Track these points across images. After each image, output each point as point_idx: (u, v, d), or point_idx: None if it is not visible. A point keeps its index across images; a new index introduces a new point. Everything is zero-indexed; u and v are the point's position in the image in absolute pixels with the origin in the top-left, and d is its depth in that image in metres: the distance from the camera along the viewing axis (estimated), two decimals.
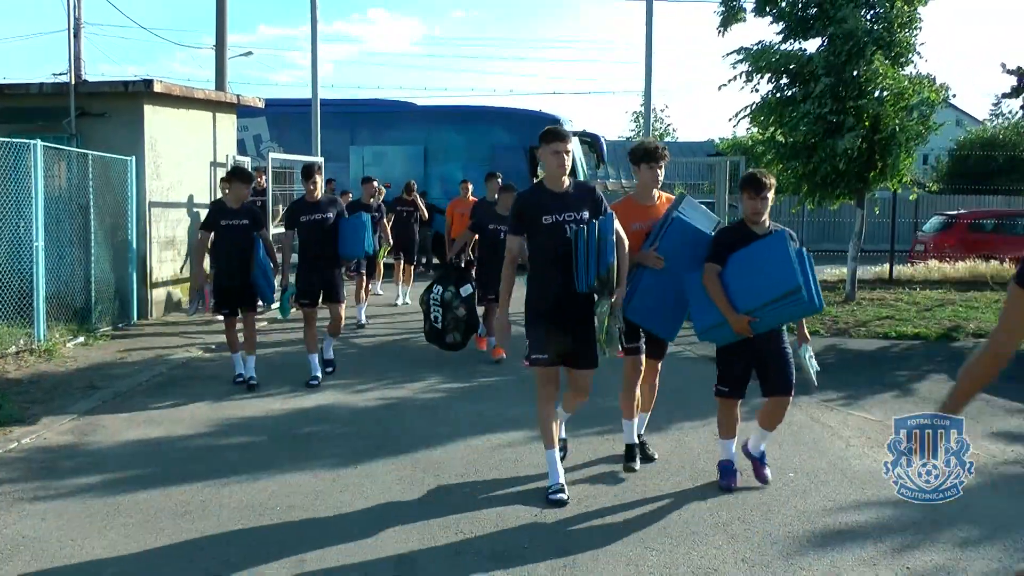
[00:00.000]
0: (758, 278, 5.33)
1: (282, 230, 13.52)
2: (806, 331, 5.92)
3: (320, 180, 8.65)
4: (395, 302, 14.73)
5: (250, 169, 13.64)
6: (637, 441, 6.16)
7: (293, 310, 8.99)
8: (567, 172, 5.42)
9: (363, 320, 12.61)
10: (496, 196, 11.40)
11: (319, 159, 16.05)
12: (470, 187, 13.52)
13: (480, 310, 10.03)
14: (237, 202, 8.54)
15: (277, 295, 8.77)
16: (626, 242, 5.48)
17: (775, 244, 5.43)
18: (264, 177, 14.77)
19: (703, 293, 5.50)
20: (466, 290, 9.62)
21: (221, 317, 9.13)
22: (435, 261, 19.90)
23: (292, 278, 8.93)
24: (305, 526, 4.99)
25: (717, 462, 5.84)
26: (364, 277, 13.02)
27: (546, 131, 5.42)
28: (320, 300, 8.73)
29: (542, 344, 5.41)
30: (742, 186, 5.67)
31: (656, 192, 6.03)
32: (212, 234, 8.63)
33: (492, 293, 9.47)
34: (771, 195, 5.56)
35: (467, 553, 4.63)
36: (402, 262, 15.18)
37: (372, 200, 13.20)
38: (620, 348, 5.50)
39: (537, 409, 5.57)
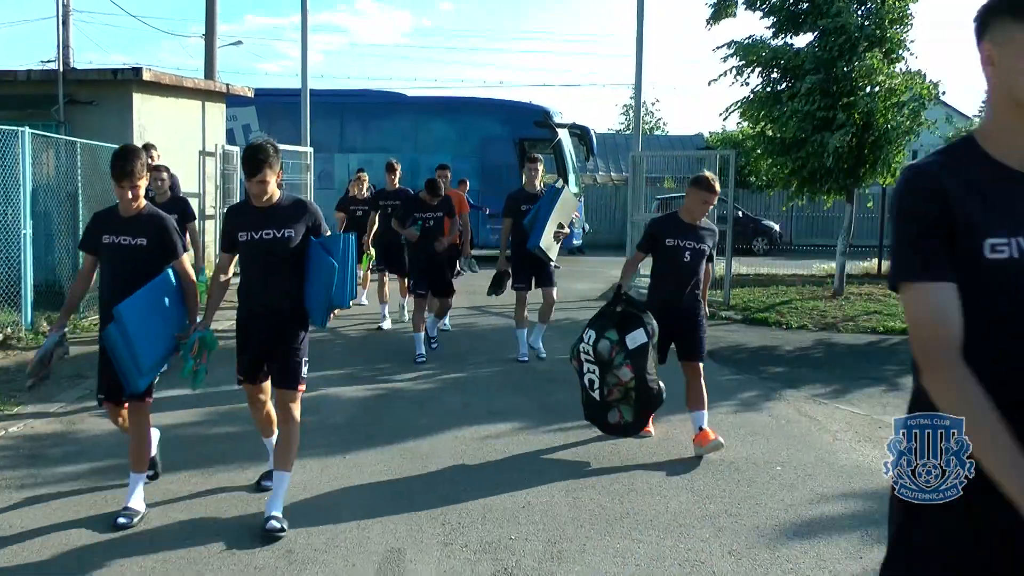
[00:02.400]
0: None
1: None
2: None
3: (271, 174, 4.73)
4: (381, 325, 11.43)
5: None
6: None
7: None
8: None
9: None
10: (539, 186, 9.35)
11: (308, 148, 16.01)
12: (448, 175, 11.06)
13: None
14: (129, 208, 4.93)
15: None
16: None
17: None
18: (154, 153, 9.67)
19: None
20: (636, 339, 6.01)
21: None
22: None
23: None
24: (293, 516, 4.98)
25: None
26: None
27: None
28: (266, 380, 5.10)
29: None
30: None
31: None
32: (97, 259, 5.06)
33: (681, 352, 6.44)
34: None
35: (455, 544, 4.64)
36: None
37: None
38: None
39: None
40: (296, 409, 4.98)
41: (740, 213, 24.79)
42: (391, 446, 6.33)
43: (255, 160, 4.74)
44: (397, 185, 11.35)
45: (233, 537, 4.69)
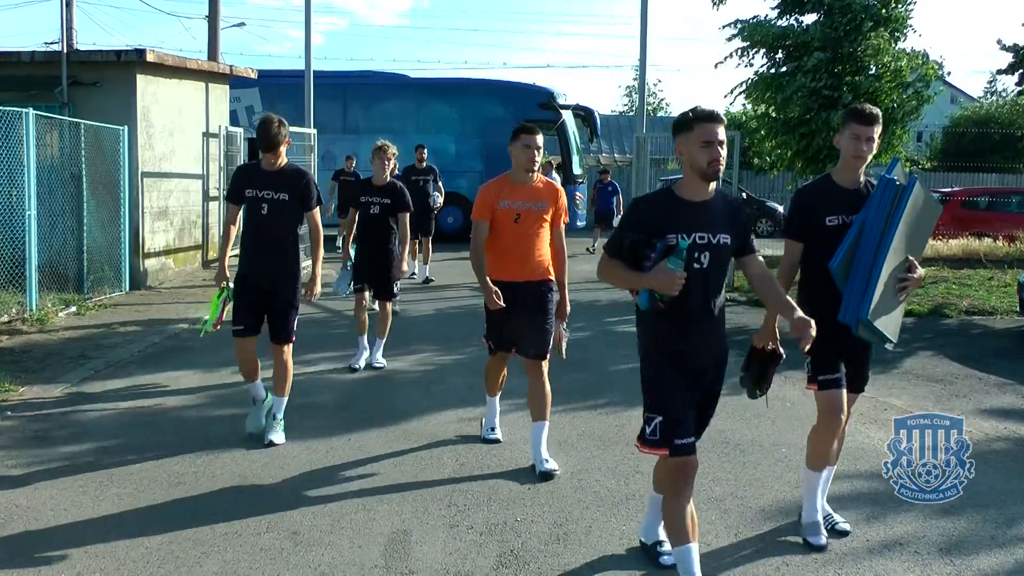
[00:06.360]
0: None
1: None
2: None
3: None
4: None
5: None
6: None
7: None
8: None
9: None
10: (861, 179, 4.62)
11: (312, 130, 15.99)
12: (541, 153, 5.69)
13: None
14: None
15: None
16: None
17: None
18: None
19: None
20: None
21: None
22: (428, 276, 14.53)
23: None
24: (297, 497, 4.99)
25: None
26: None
27: None
28: None
29: None
30: None
31: None
32: None
33: None
34: None
35: (461, 526, 4.64)
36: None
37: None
38: None
39: None
40: None
41: (744, 194, 24.70)
42: (396, 427, 6.33)
43: None
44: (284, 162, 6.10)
45: (239, 518, 4.70)
